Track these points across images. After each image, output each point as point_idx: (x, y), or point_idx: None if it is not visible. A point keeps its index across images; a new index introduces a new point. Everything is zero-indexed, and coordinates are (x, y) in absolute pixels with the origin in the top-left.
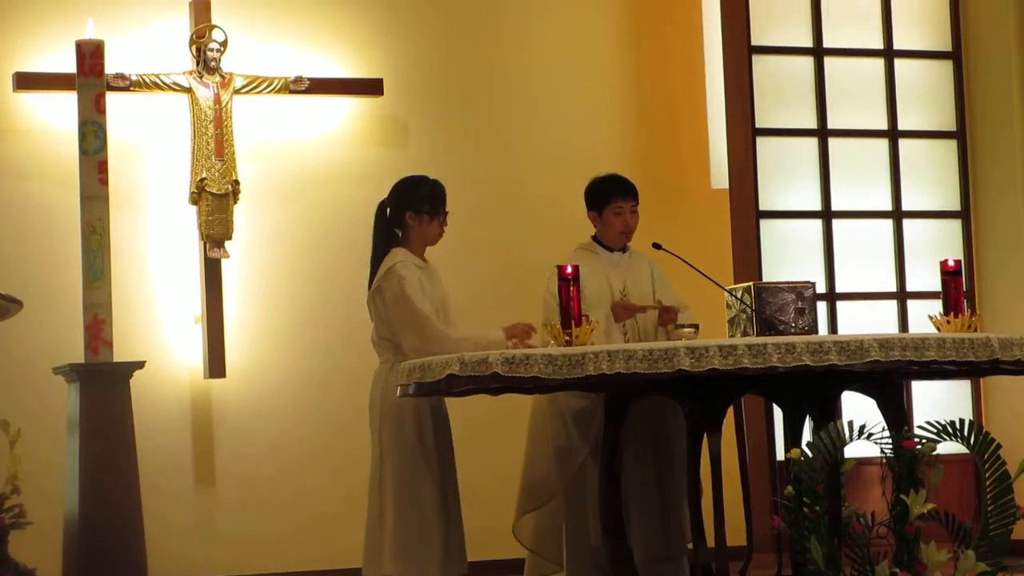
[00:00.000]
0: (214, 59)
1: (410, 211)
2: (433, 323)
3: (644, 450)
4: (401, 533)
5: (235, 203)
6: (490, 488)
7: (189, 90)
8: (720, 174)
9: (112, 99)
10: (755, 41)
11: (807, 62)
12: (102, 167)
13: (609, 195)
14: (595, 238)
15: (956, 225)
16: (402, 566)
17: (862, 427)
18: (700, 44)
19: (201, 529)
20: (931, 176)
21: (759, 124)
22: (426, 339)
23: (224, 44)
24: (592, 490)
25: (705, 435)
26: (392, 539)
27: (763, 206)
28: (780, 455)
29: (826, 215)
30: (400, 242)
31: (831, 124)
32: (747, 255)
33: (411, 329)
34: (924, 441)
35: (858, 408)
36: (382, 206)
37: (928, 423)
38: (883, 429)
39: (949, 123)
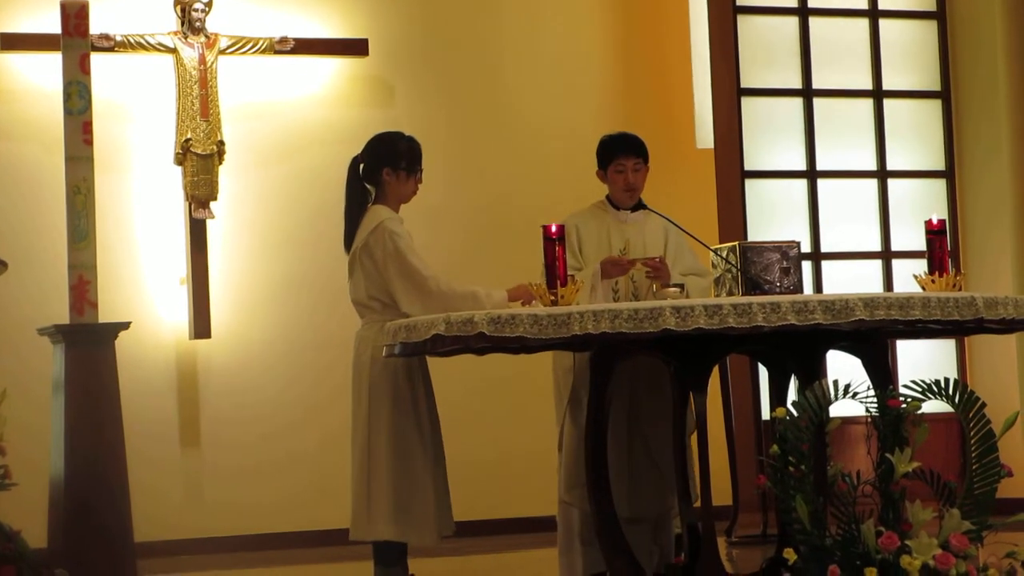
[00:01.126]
0: (199, 19)
1: (387, 167)
2: (434, 279)
3: (617, 411)
4: (397, 495)
5: (220, 164)
6: (475, 451)
7: (174, 51)
8: (705, 134)
9: (97, 60)
10: (740, 1)
11: (792, 22)
12: (87, 128)
13: (612, 152)
14: (608, 197)
15: (941, 185)
16: (399, 528)
17: (847, 386)
18: (686, 4)
19: (187, 491)
20: (916, 136)
21: (744, 84)
22: (428, 295)
23: (209, 4)
24: (565, 445)
25: (691, 394)
26: (388, 501)
27: (748, 166)
28: (766, 414)
29: (811, 175)
30: (375, 199)
31: (816, 84)
32: (732, 215)
33: (410, 286)
34: (909, 400)
35: (843, 367)
36: (355, 162)
37: (913, 382)
38: (868, 388)
39: (934, 83)
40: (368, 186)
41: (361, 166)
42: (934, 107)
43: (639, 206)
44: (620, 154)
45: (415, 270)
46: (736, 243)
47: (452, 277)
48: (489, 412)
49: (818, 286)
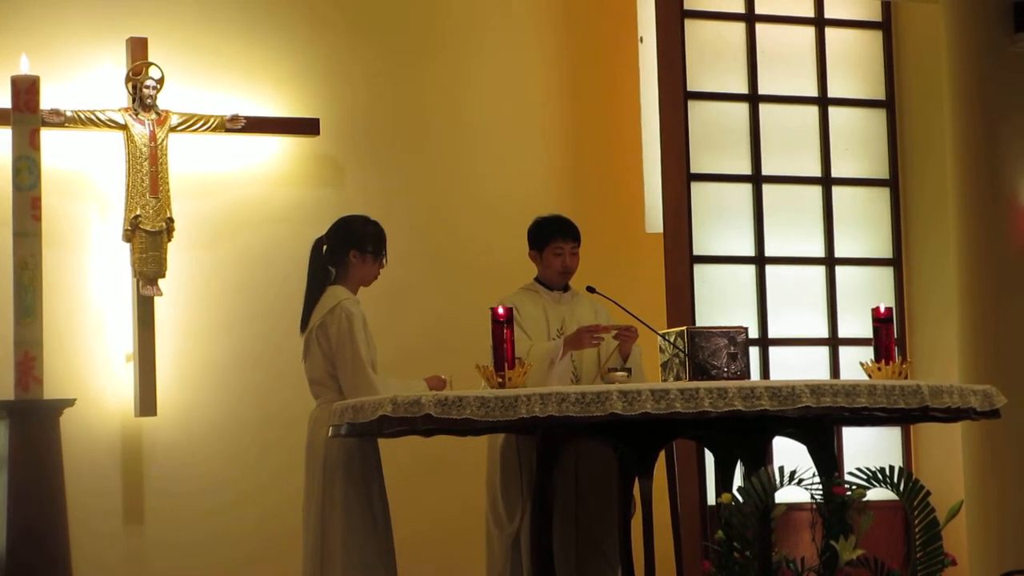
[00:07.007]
0: (150, 96)
1: (354, 250)
2: (368, 368)
3: (565, 494)
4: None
5: (169, 241)
6: (422, 531)
7: (124, 127)
8: (655, 219)
9: (47, 135)
10: (691, 87)
11: (742, 108)
12: (35, 203)
13: (549, 235)
14: (537, 278)
15: (888, 272)
16: None
17: (793, 472)
18: (636, 89)
19: (130, 567)
20: (864, 223)
21: (694, 169)
22: (357, 382)
23: (160, 81)
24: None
25: (637, 479)
26: None
27: (697, 251)
28: (711, 499)
29: (759, 260)
30: (335, 280)
31: (765, 170)
32: (680, 299)
33: (350, 369)
34: (854, 487)
35: (789, 453)
36: (318, 243)
37: (858, 469)
38: (814, 475)
39: (882, 171)
40: (329, 267)
41: (324, 247)
42: (882, 194)
43: (566, 286)
44: (558, 237)
45: (358, 355)
46: (684, 328)
47: (398, 361)
48: (433, 488)
49: (765, 372)
